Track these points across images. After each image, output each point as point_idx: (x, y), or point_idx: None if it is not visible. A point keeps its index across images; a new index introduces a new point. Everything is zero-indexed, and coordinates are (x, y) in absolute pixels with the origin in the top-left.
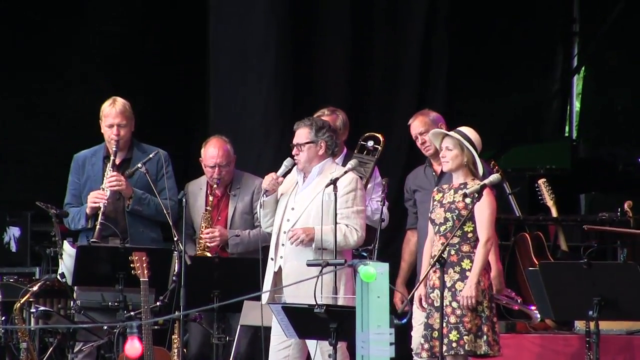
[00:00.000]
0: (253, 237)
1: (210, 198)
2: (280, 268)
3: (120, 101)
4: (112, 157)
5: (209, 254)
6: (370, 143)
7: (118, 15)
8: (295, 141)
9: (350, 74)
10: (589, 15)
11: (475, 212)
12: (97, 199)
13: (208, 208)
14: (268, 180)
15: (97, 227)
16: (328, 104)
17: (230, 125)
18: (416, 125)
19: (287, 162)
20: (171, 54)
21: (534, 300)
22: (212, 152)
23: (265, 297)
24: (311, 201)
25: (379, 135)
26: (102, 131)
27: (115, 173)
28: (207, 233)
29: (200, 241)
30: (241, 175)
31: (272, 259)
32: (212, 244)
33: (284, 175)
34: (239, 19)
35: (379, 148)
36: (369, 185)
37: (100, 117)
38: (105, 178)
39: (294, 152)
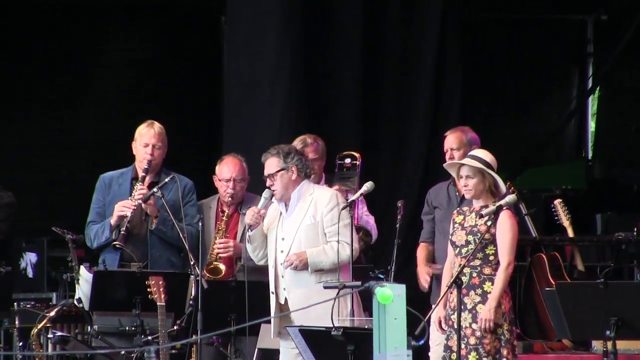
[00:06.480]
0: None
1: (221, 212)
2: (286, 300)
3: (157, 125)
4: (141, 174)
5: (221, 266)
6: (348, 160)
7: (134, 48)
8: (266, 172)
9: (362, 98)
10: (602, 36)
11: (497, 236)
12: (124, 207)
13: (224, 218)
14: (250, 214)
15: (122, 233)
16: (341, 128)
17: (243, 151)
18: (450, 140)
19: (265, 194)
20: (187, 81)
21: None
22: (228, 166)
23: (274, 327)
24: (298, 227)
25: (354, 154)
26: (134, 152)
27: (144, 187)
28: (222, 242)
29: (213, 252)
30: (250, 196)
31: (272, 292)
32: (225, 254)
33: (266, 207)
34: (251, 43)
35: (357, 163)
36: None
37: (135, 138)
38: (134, 191)
39: (268, 184)
